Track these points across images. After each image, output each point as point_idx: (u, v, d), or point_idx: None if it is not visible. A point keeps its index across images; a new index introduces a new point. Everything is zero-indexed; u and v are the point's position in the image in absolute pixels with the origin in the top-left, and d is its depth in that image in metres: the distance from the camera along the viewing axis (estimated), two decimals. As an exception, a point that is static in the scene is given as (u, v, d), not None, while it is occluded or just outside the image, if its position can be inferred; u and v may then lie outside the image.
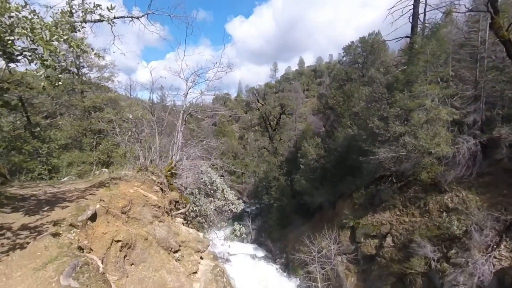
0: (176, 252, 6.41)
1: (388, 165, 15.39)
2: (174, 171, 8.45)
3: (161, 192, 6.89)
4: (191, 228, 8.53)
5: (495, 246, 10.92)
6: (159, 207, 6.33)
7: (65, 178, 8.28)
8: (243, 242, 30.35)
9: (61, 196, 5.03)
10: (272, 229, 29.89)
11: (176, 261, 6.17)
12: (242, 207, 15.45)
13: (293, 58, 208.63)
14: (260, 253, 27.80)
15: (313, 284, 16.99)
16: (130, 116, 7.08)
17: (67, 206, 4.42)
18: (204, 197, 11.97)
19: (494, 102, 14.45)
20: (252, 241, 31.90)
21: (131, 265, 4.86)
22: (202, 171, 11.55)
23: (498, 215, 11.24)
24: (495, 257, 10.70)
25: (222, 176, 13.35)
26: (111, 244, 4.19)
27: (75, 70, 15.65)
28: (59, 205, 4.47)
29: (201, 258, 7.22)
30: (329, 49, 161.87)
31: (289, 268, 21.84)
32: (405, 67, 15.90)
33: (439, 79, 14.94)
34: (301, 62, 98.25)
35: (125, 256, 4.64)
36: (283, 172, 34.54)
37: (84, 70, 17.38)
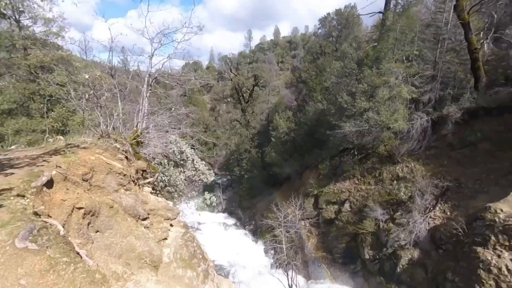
0: (144, 219, 6.35)
1: (352, 138, 16.50)
2: (140, 139, 8.04)
3: (126, 160, 6.58)
4: (160, 197, 8.46)
5: (431, 208, 12.81)
6: (124, 175, 6.08)
7: (13, 147, 7.43)
8: (214, 212, 31.26)
9: (8, 163, 4.53)
10: (242, 199, 31.06)
11: (145, 228, 6.17)
12: (213, 178, 15.60)
13: (268, 27, 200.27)
14: (230, 221, 29.06)
15: (278, 245, 18.54)
16: (87, 77, 6.31)
17: (17, 173, 4.03)
18: (173, 167, 11.76)
19: (447, 82, 15.82)
20: (223, 211, 33.00)
21: (96, 232, 4.74)
22: (171, 141, 11.17)
23: (437, 182, 13.03)
24: (430, 217, 12.62)
25: (193, 146, 13.12)
26: (72, 211, 3.99)
27: (14, 16, 13.07)
28: (6, 171, 4.05)
29: (171, 225, 7.30)
30: (306, 20, 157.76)
31: (257, 233, 23.36)
32: (376, 43, 16.34)
33: (404, 58, 15.73)
34: (277, 32, 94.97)
35: (89, 223, 4.49)
36: (255, 144, 35.07)
37: (26, 22, 14.66)
